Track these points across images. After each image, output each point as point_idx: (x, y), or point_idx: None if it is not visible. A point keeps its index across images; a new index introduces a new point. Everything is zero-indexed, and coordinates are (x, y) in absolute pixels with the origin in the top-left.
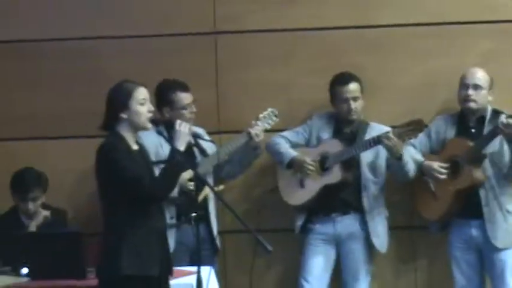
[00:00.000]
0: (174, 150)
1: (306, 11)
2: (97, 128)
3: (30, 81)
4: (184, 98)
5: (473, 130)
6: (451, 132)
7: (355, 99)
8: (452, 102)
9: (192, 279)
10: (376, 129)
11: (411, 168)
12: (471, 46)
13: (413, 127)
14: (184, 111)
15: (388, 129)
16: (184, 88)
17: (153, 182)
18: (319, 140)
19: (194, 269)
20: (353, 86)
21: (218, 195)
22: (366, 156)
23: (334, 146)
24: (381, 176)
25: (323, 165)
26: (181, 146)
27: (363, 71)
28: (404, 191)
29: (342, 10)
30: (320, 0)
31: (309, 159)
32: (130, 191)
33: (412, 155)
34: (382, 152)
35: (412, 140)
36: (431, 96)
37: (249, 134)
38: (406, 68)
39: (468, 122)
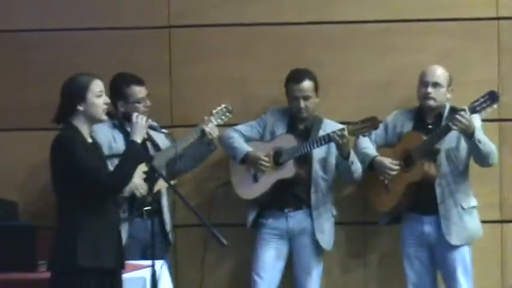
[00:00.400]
0: (131, 143)
1: (263, 6)
2: (50, 121)
3: None
4: (139, 91)
5: (430, 126)
6: (408, 127)
7: (306, 98)
8: (409, 99)
9: (144, 273)
10: (330, 126)
11: (357, 169)
12: (429, 44)
13: (368, 124)
14: (138, 105)
15: (342, 126)
16: (139, 82)
17: (110, 174)
18: (273, 135)
19: (146, 263)
20: (305, 85)
21: (174, 189)
22: (318, 153)
23: (288, 142)
24: (331, 173)
25: (277, 160)
26: (138, 139)
27: (320, 67)
28: (357, 185)
29: (300, 5)
30: None
31: (263, 154)
32: (88, 183)
33: (364, 148)
34: (334, 150)
35: None
36: (388, 93)
37: (202, 130)
38: (363, 64)
39: (426, 118)
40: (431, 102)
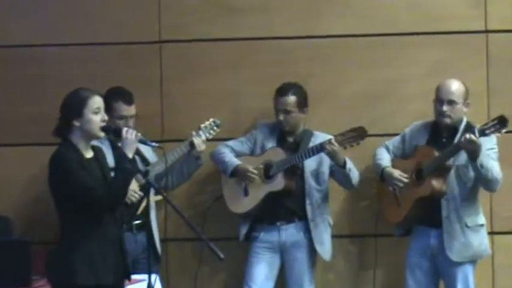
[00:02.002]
0: (123, 157)
1: (254, 21)
2: (51, 134)
3: None
4: (124, 109)
5: (444, 140)
6: (423, 140)
7: (286, 111)
8: (397, 112)
9: (137, 287)
10: (320, 137)
11: (355, 176)
12: (419, 56)
13: (355, 134)
14: (119, 122)
15: (330, 137)
16: (128, 101)
17: (105, 191)
18: (263, 149)
19: (137, 277)
20: (287, 99)
21: (169, 202)
22: (310, 165)
23: (277, 155)
24: (324, 184)
25: (267, 173)
26: (129, 153)
27: (312, 80)
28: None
29: (289, 20)
30: (268, 10)
31: (252, 167)
32: (82, 202)
33: (378, 160)
34: (326, 160)
35: (387, 143)
36: (379, 105)
37: (191, 143)
38: (354, 77)
39: (441, 132)
40: (447, 120)
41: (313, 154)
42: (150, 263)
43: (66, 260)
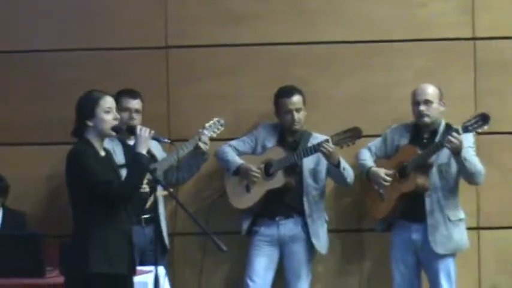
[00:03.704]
0: (137, 155)
1: (255, 28)
2: (69, 135)
3: None
4: (127, 102)
5: (425, 141)
6: (405, 140)
7: (298, 110)
8: (388, 113)
9: (144, 278)
10: (318, 138)
11: (349, 174)
12: (409, 62)
13: (350, 134)
14: (123, 114)
15: (327, 137)
16: (132, 95)
17: (120, 186)
18: (264, 148)
19: (146, 268)
20: (296, 98)
21: (174, 197)
22: (308, 164)
23: (277, 154)
24: (321, 182)
25: (267, 171)
26: (143, 150)
27: (307, 84)
28: (353, 195)
29: (289, 27)
30: (268, 18)
31: (254, 166)
32: (100, 194)
33: (362, 160)
34: (323, 160)
35: (369, 144)
36: (370, 108)
37: (199, 139)
38: (346, 82)
39: (422, 132)
40: (426, 119)
41: (311, 153)
42: (157, 255)
43: (81, 248)
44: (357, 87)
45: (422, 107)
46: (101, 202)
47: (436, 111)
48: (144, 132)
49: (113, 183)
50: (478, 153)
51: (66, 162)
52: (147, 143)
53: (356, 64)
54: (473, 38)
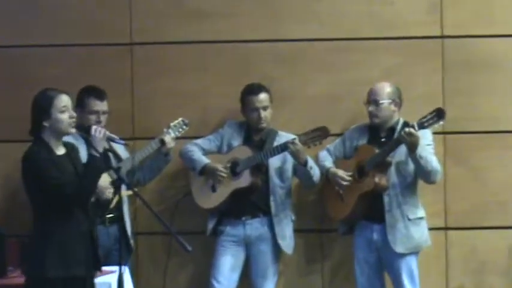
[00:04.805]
0: (90, 156)
1: (221, 24)
2: (23, 133)
3: None
4: (95, 104)
5: (383, 140)
6: (363, 141)
7: (264, 108)
8: (358, 112)
9: (108, 279)
10: (284, 137)
11: (316, 173)
12: (377, 60)
13: (318, 134)
14: (91, 117)
15: (294, 136)
16: (100, 96)
17: (74, 187)
18: (230, 147)
19: (110, 268)
20: (263, 96)
21: (139, 196)
22: (274, 163)
23: (243, 153)
24: (288, 181)
25: (233, 170)
26: (98, 150)
27: (273, 81)
28: (314, 195)
29: (255, 24)
30: (233, 15)
31: (221, 166)
32: (52, 198)
33: (322, 161)
34: (289, 158)
35: (328, 146)
36: (338, 106)
37: (162, 140)
38: (313, 80)
39: (379, 132)
40: (375, 120)
41: (278, 153)
42: (122, 255)
43: (37, 252)
44: (324, 86)
45: (371, 108)
46: (56, 204)
47: (386, 111)
48: (98, 132)
49: (66, 186)
50: (446, 153)
51: (21, 163)
52: (102, 143)
53: (323, 62)
54: (442, 36)
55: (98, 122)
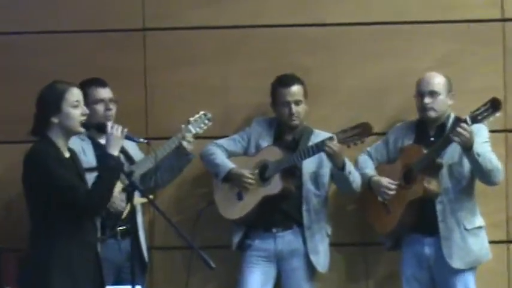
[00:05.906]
0: (108, 157)
1: (244, 7)
2: (28, 133)
3: None
4: (99, 91)
5: (432, 139)
6: (409, 140)
7: (297, 102)
8: (405, 108)
9: None
10: (321, 136)
11: (356, 179)
12: (428, 48)
13: (359, 131)
14: (96, 106)
15: (331, 135)
16: (100, 83)
17: (89, 193)
18: (258, 148)
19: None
20: (295, 89)
21: (156, 206)
22: (309, 167)
23: (273, 154)
24: (323, 188)
25: (262, 175)
26: (115, 152)
27: (308, 73)
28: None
29: (284, 6)
30: None
31: (248, 171)
32: (65, 202)
33: (362, 169)
34: (326, 162)
35: (368, 149)
36: (383, 101)
37: (182, 138)
38: (354, 70)
39: (428, 130)
40: (432, 113)
41: (313, 154)
42: (135, 272)
43: (42, 267)
44: (367, 77)
45: (427, 100)
46: (64, 212)
47: (443, 105)
48: (116, 130)
49: (79, 189)
50: (509, 153)
51: (24, 165)
52: (120, 143)
53: (366, 50)
54: (503, 20)
55: (108, 110)
